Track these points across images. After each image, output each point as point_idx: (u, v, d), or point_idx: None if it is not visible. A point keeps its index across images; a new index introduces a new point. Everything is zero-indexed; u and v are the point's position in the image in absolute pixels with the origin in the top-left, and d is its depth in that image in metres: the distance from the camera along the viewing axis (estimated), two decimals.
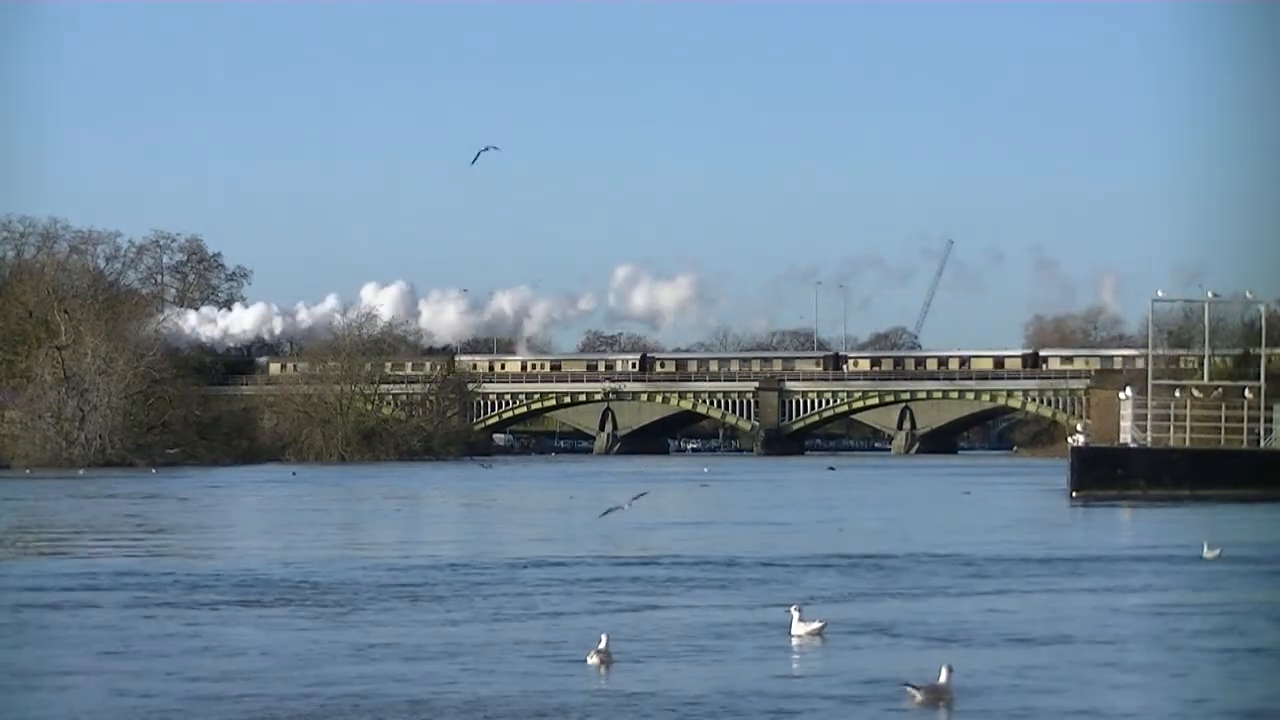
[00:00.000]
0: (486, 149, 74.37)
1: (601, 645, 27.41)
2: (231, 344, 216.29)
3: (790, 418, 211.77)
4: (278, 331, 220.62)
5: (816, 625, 29.58)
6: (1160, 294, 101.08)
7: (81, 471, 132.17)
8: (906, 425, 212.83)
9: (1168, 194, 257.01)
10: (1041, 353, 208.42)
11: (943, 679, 23.99)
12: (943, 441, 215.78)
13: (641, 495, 64.58)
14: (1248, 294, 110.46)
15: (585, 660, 27.26)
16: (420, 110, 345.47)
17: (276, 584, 40.11)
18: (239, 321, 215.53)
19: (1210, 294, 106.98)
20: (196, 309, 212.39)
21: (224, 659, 28.05)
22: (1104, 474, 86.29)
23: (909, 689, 23.99)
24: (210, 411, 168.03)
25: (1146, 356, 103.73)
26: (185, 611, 34.75)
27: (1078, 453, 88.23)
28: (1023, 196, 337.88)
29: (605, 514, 62.57)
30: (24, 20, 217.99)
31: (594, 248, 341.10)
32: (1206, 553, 46.36)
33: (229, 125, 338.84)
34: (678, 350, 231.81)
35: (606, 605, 35.81)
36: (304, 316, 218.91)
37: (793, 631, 29.60)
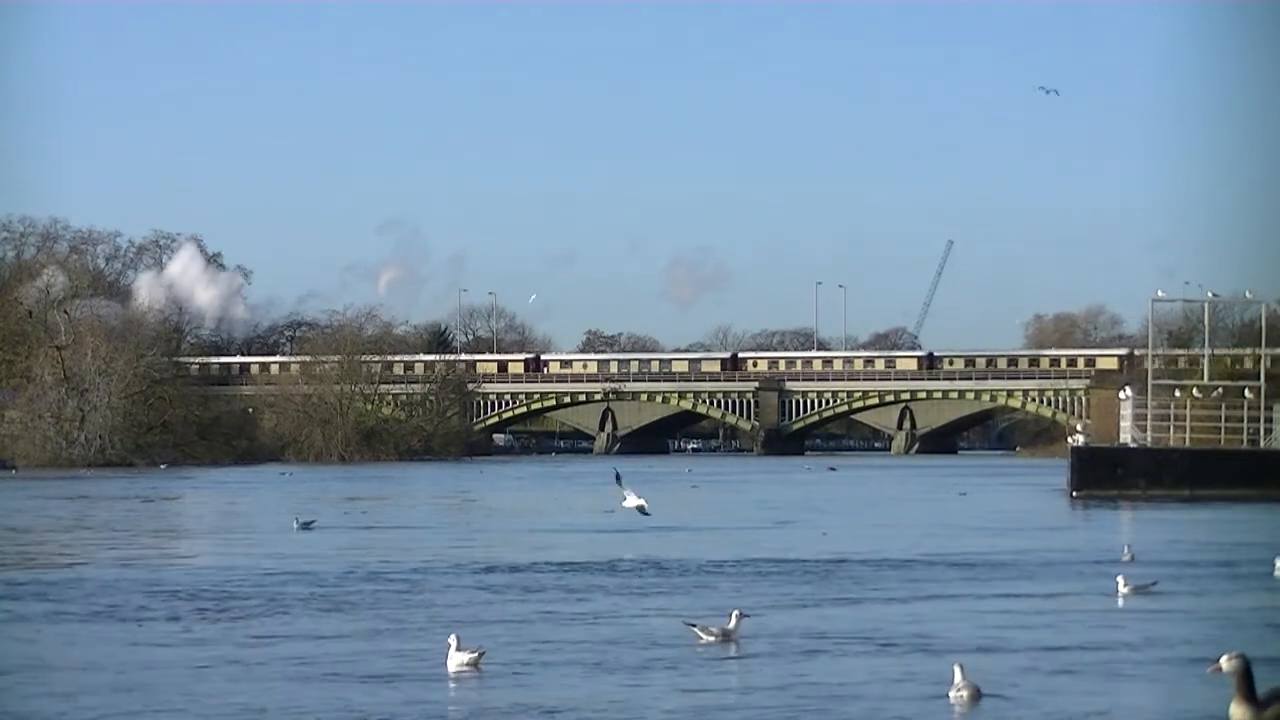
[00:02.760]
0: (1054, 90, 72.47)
1: (469, 655, 26.81)
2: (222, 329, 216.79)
3: (790, 418, 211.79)
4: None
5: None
6: (1160, 294, 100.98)
7: (84, 471, 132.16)
8: (906, 425, 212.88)
9: (1168, 193, 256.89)
10: (1136, 352, 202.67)
11: (959, 677, 24.16)
12: (942, 441, 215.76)
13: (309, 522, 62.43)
14: (1248, 294, 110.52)
15: (450, 667, 26.67)
16: (422, 109, 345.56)
17: (173, 592, 38.67)
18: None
19: (1210, 294, 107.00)
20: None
21: (45, 675, 26.91)
22: (1104, 474, 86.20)
23: (954, 689, 24.12)
24: (210, 411, 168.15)
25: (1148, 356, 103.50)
26: (40, 624, 33.30)
27: (1078, 453, 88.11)
28: (1023, 196, 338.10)
29: (304, 526, 60.97)
30: (24, 20, 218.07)
31: (595, 247, 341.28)
32: (1125, 554, 47.02)
33: (229, 125, 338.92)
34: (677, 350, 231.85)
35: (518, 612, 34.83)
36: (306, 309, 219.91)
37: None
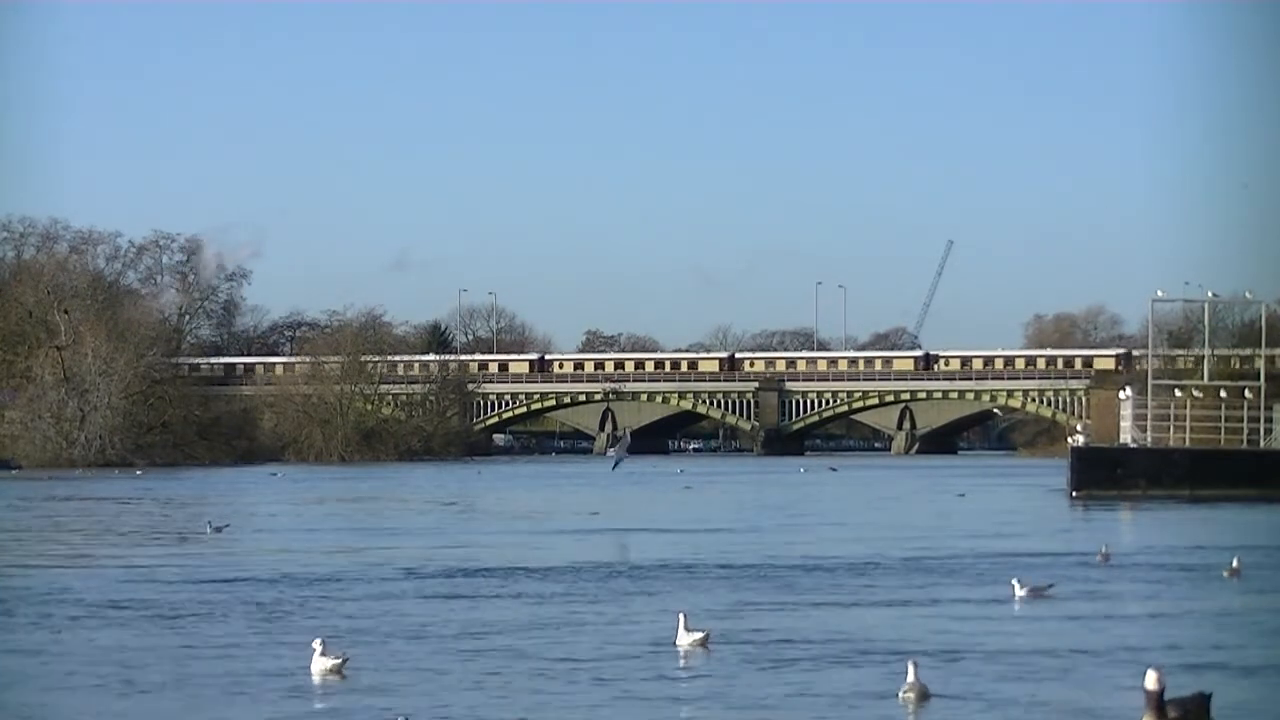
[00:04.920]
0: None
1: (332, 661, 26.27)
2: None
3: (790, 418, 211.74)
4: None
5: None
6: (1160, 294, 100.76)
7: (79, 472, 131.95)
8: (906, 425, 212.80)
9: (1168, 193, 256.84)
10: (1135, 352, 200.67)
11: (911, 676, 24.20)
12: (942, 441, 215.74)
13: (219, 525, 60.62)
14: (1248, 294, 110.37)
15: (313, 673, 26.10)
16: (421, 109, 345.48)
17: (54, 599, 37.65)
18: None
19: (1210, 294, 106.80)
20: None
21: None
22: (1104, 474, 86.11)
23: (904, 689, 24.17)
24: (210, 412, 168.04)
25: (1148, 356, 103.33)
26: None
27: (1078, 453, 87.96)
28: (1023, 196, 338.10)
29: (216, 530, 58.74)
30: (24, 20, 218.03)
31: (596, 247, 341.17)
32: (1099, 556, 46.95)
33: (230, 125, 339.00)
34: (678, 350, 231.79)
35: (433, 617, 33.74)
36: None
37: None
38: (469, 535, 60.40)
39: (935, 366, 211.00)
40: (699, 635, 28.85)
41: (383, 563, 46.84)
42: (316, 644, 26.73)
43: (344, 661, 26.51)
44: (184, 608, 36.08)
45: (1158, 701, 18.70)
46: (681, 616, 29.38)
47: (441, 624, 32.92)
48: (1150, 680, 18.61)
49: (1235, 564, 43.32)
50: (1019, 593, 37.49)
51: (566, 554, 49.53)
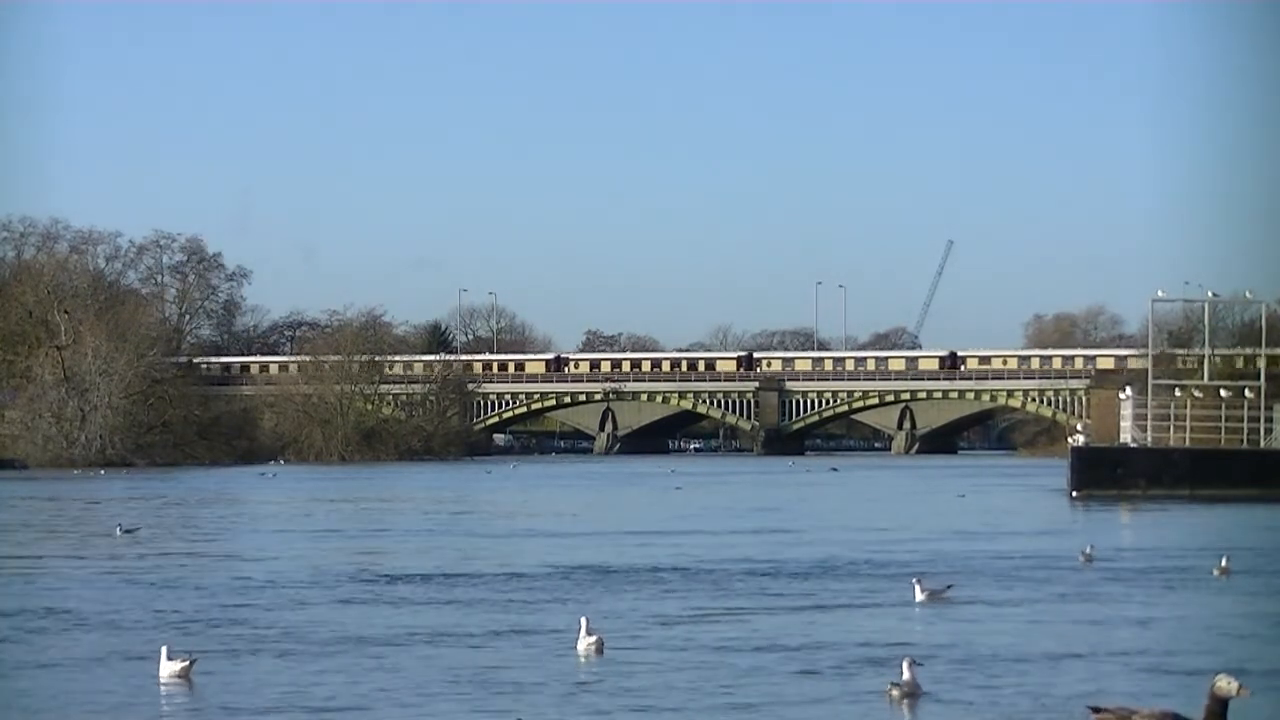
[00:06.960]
0: None
1: (179, 664, 26.05)
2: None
3: (790, 418, 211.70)
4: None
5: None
6: (1160, 294, 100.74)
7: (76, 472, 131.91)
8: (906, 425, 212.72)
9: (1169, 193, 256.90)
10: (1135, 352, 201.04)
11: (906, 674, 24.14)
12: (943, 441, 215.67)
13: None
14: (1248, 294, 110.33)
15: (160, 677, 25.83)
16: (423, 110, 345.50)
17: None
18: None
19: (1210, 294, 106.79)
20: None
21: None
22: (1104, 474, 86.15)
23: (890, 685, 24.16)
24: (210, 411, 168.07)
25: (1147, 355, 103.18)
26: None
27: (1078, 453, 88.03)
28: (1023, 196, 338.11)
29: (127, 532, 56.81)
30: (24, 20, 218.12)
31: (596, 247, 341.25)
32: (1081, 557, 46.78)
33: (229, 125, 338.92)
34: (679, 350, 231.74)
35: (332, 622, 32.90)
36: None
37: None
38: (434, 538, 58.76)
39: (942, 366, 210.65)
40: (592, 640, 28.50)
41: (327, 566, 45.57)
42: (163, 650, 26.47)
43: (192, 664, 26.24)
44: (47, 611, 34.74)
45: (1222, 710, 18.30)
46: (584, 620, 29.15)
47: (342, 630, 31.86)
48: (1222, 685, 18.29)
49: (1225, 564, 43.26)
50: (918, 595, 36.74)
51: (528, 558, 48.43)
